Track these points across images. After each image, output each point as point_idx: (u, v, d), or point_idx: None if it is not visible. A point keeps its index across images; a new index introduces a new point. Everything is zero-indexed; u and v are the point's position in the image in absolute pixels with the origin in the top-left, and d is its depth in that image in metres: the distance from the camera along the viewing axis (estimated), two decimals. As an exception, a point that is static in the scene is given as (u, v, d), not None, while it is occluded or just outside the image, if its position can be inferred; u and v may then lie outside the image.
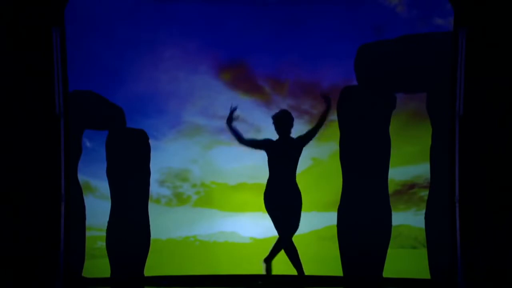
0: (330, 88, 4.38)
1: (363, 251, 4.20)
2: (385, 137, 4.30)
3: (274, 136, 4.40)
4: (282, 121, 4.37)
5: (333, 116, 4.37)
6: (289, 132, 4.38)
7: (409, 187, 4.33)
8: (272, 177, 4.33)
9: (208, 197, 4.49)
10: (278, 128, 4.37)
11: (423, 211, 4.24)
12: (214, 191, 4.48)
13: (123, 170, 4.40)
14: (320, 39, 4.32)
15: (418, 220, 4.26)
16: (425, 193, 4.26)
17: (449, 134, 4.07)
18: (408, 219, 4.32)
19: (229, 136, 4.44)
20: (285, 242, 4.27)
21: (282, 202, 4.30)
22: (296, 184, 4.31)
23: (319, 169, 4.34)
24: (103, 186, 4.37)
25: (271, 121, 4.38)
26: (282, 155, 4.34)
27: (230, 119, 4.34)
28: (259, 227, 4.40)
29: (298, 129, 4.40)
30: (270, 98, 4.43)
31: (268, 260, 4.29)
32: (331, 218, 4.29)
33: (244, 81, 4.44)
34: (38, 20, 4.04)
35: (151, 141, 4.43)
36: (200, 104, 4.47)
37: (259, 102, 4.46)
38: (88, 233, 4.33)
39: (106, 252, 4.33)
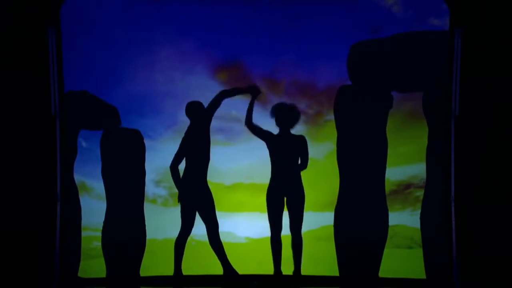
0: (327, 88, 4.38)
1: (359, 251, 4.20)
2: (382, 137, 4.29)
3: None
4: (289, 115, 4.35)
5: (330, 116, 4.37)
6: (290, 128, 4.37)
7: (405, 187, 4.33)
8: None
9: (204, 197, 4.47)
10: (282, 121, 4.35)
11: (419, 211, 4.24)
12: (210, 191, 4.48)
13: (119, 170, 4.39)
14: (317, 39, 4.32)
15: (414, 220, 4.26)
16: (421, 193, 4.26)
17: (445, 134, 4.07)
18: (404, 219, 4.31)
19: (225, 136, 4.44)
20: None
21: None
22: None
23: (315, 169, 4.34)
24: (98, 186, 4.37)
25: (267, 121, 4.36)
26: (286, 150, 4.31)
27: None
28: (255, 227, 4.40)
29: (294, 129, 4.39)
30: (266, 98, 4.43)
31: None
32: (327, 218, 4.29)
33: (240, 81, 4.43)
34: (34, 20, 4.03)
35: (147, 141, 4.42)
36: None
37: (255, 102, 4.45)
38: (83, 233, 4.33)
39: (102, 252, 4.34)
